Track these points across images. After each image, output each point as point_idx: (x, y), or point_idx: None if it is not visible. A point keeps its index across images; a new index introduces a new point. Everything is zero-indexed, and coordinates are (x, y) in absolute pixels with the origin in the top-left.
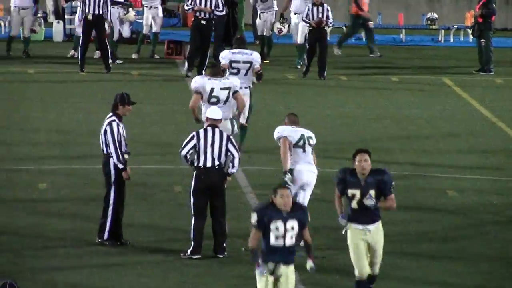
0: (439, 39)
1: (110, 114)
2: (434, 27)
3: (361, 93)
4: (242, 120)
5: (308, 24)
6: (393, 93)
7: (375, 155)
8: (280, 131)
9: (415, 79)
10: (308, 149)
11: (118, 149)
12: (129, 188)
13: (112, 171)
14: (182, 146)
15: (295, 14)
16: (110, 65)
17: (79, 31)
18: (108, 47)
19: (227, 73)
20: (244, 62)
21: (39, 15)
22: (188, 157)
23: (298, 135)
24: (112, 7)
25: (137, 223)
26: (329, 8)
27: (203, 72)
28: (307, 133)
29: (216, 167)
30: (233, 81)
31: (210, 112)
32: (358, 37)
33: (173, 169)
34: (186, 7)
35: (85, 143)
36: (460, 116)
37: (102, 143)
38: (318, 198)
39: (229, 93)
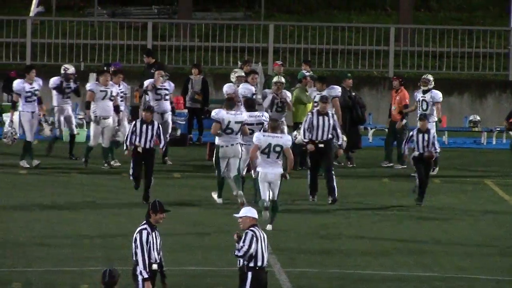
0: (482, 141)
1: (143, 222)
2: (476, 129)
3: (404, 195)
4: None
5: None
6: (435, 196)
7: (418, 258)
8: (254, 137)
9: (457, 181)
10: (273, 155)
11: (145, 258)
12: None
13: (139, 280)
14: (246, 249)
15: None
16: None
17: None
18: (152, 181)
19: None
20: (258, 124)
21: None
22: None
23: (267, 143)
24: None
25: None
26: (435, 134)
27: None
28: (276, 141)
29: (266, 266)
30: (245, 116)
31: (251, 213)
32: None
33: (215, 271)
34: None
35: (127, 245)
36: (502, 218)
37: (132, 250)
38: None
39: (240, 126)
